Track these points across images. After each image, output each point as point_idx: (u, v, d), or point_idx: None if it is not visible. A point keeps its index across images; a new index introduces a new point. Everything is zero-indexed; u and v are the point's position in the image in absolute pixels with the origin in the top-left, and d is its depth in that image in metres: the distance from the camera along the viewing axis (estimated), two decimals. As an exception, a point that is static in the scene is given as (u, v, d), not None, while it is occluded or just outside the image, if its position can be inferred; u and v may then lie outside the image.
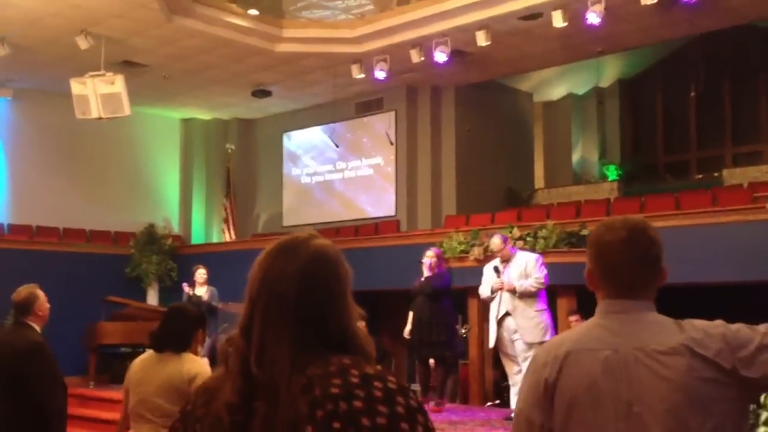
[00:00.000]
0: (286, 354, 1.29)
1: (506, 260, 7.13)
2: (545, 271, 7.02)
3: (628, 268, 1.78)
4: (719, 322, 1.73)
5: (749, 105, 14.34)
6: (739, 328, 1.70)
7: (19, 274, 6.17)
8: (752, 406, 4.28)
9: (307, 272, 1.35)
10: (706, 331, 1.70)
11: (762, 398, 4.42)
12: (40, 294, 4.38)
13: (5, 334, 4.63)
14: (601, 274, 1.82)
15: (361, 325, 1.42)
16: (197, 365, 3.63)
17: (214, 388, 1.35)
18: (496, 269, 7.11)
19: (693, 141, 15.08)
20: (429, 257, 7.80)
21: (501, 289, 7.04)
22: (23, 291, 4.37)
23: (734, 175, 12.55)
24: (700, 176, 14.34)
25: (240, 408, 1.27)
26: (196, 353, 3.77)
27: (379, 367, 1.34)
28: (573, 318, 8.15)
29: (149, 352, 3.76)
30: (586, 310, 8.47)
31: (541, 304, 7.03)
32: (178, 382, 3.53)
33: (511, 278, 7.03)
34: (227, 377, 1.33)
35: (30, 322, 4.31)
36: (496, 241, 7.25)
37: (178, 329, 3.67)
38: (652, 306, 1.79)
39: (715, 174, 13.48)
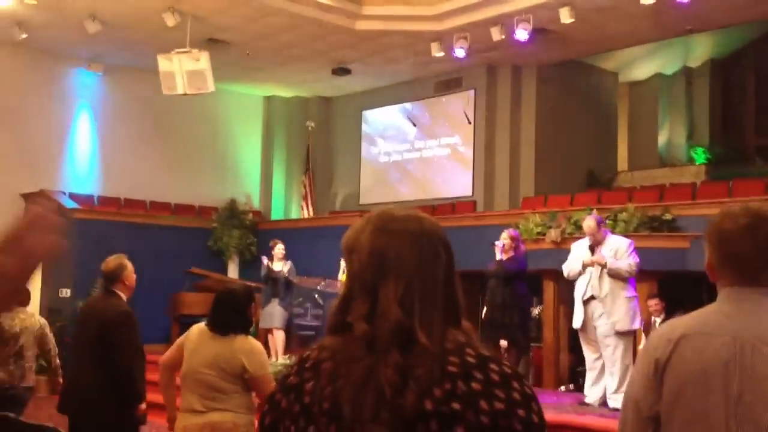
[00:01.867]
0: (441, 327, 1.30)
1: (598, 243, 6.94)
2: (637, 258, 6.83)
3: (751, 255, 1.76)
4: None
5: None
6: None
7: (107, 245, 6.42)
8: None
9: (447, 249, 1.39)
10: None
11: None
12: (128, 264, 4.53)
13: (94, 302, 4.83)
14: (722, 263, 1.80)
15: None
16: (248, 343, 3.79)
17: (337, 361, 1.30)
18: (591, 247, 6.95)
19: (786, 124, 14.43)
20: (503, 239, 7.73)
21: (593, 264, 6.87)
22: (112, 261, 4.53)
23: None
24: (793, 160, 13.73)
25: (398, 384, 1.24)
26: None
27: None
28: (652, 302, 7.96)
29: (203, 327, 3.91)
30: (666, 295, 8.27)
31: (631, 291, 6.84)
32: (225, 359, 3.69)
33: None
34: (369, 352, 1.28)
35: (117, 291, 4.48)
36: (590, 223, 7.03)
37: (227, 317, 3.81)
38: None
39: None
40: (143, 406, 4.39)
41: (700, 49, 14.87)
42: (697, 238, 8.29)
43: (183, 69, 10.76)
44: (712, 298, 1.85)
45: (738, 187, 10.13)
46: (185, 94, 10.97)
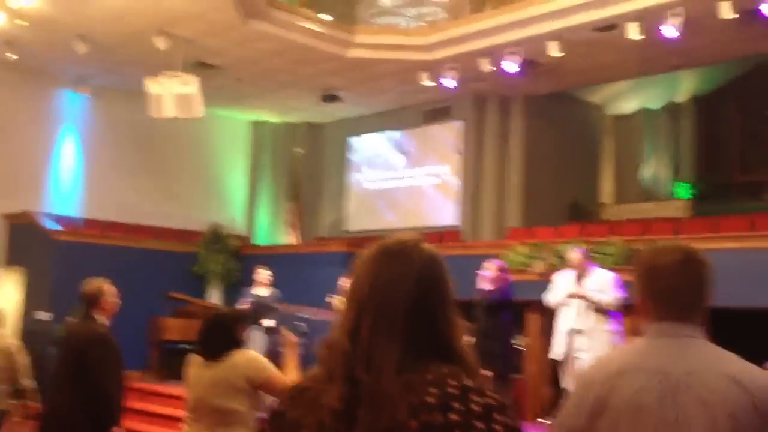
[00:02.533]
0: (395, 360, 1.25)
1: (582, 275, 6.96)
2: (624, 293, 6.84)
3: (684, 290, 1.79)
4: None
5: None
6: None
7: (90, 267, 6.35)
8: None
9: (423, 277, 1.33)
10: (762, 384, 1.68)
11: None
12: (107, 288, 4.48)
13: (73, 326, 4.75)
14: (653, 297, 1.81)
15: (467, 338, 1.39)
16: (243, 356, 3.74)
17: (313, 391, 1.31)
18: (578, 276, 6.95)
19: (771, 161, 14.56)
20: (489, 270, 7.71)
21: (579, 297, 6.86)
22: (91, 285, 4.48)
23: (813, 198, 12.07)
24: (777, 197, 13.83)
25: (344, 415, 1.24)
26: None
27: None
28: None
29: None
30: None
31: (615, 325, 6.84)
32: (226, 379, 3.63)
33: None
34: (329, 382, 1.28)
35: (96, 315, 4.42)
36: (576, 256, 7.07)
37: (217, 340, 3.78)
38: (703, 330, 1.79)
39: (793, 195, 12.99)
40: (117, 430, 4.32)
41: (686, 85, 15.02)
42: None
43: (172, 92, 10.74)
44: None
45: (723, 222, 10.18)
46: (175, 118, 10.94)
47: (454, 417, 1.20)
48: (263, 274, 9.59)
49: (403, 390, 1.22)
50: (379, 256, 1.35)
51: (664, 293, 1.80)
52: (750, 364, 1.75)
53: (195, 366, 3.81)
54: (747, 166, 14.89)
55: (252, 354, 3.82)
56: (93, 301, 4.42)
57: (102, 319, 4.42)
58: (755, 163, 14.77)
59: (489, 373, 7.58)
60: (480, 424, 1.21)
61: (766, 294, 6.81)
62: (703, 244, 8.04)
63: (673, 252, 1.83)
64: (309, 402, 1.29)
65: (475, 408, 1.22)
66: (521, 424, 1.28)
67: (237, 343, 3.81)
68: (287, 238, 14.20)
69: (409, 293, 1.31)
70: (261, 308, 9.43)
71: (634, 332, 7.76)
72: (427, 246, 1.39)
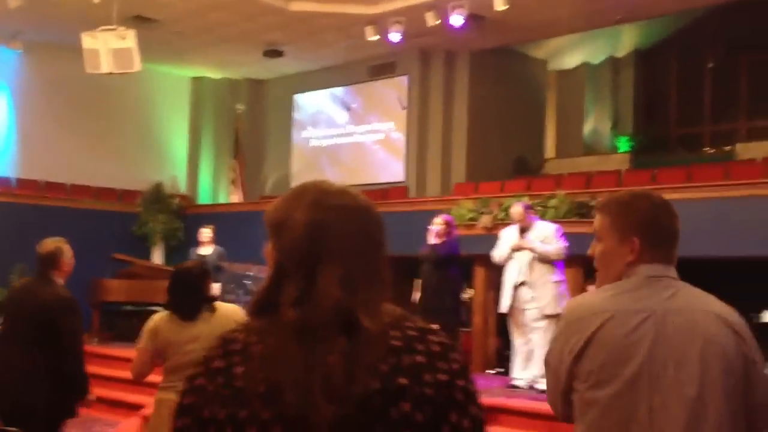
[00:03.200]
0: (383, 306, 1.27)
1: (526, 229, 7.04)
2: (566, 242, 6.95)
3: (672, 234, 1.86)
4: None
5: (766, 79, 14.13)
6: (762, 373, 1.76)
7: (28, 229, 6.16)
8: None
9: (375, 223, 1.34)
10: (742, 324, 1.78)
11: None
12: (66, 248, 4.30)
13: (28, 288, 4.48)
14: (646, 240, 1.84)
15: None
16: (232, 306, 3.76)
17: (269, 346, 1.24)
18: (520, 233, 7.04)
19: (707, 114, 14.90)
20: (437, 224, 7.75)
21: (521, 248, 6.95)
22: (49, 244, 4.26)
23: (748, 150, 12.39)
24: (713, 150, 14.19)
25: (345, 367, 1.20)
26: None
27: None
28: (592, 288, 8.13)
29: (167, 313, 3.76)
30: (591, 282, 8.44)
31: (559, 275, 6.97)
32: (214, 332, 3.56)
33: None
34: (306, 336, 1.22)
35: (54, 277, 4.25)
36: (517, 209, 7.15)
37: (188, 298, 3.68)
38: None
39: (728, 148, 13.33)
40: (92, 396, 4.27)
41: (627, 40, 15.19)
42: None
43: (108, 47, 10.38)
44: None
45: (661, 175, 10.39)
46: (110, 74, 10.60)
47: (419, 358, 1.21)
48: (205, 233, 9.47)
49: (387, 333, 1.23)
50: (331, 205, 1.32)
51: (658, 236, 1.84)
52: (724, 303, 1.81)
53: (168, 328, 3.67)
54: (684, 119, 15.21)
55: (234, 306, 3.78)
56: (51, 261, 4.22)
57: (59, 280, 4.25)
58: (693, 116, 15.09)
59: (437, 326, 7.67)
60: (442, 364, 1.22)
61: (701, 244, 6.98)
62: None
63: (655, 197, 1.89)
64: (271, 357, 1.23)
65: (435, 348, 1.24)
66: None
67: (208, 297, 3.74)
68: (231, 196, 14.02)
69: (381, 242, 1.32)
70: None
71: (577, 281, 7.93)
72: (355, 191, 1.38)
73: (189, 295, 3.67)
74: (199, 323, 3.61)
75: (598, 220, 1.92)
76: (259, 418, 1.20)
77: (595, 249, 1.92)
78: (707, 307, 1.76)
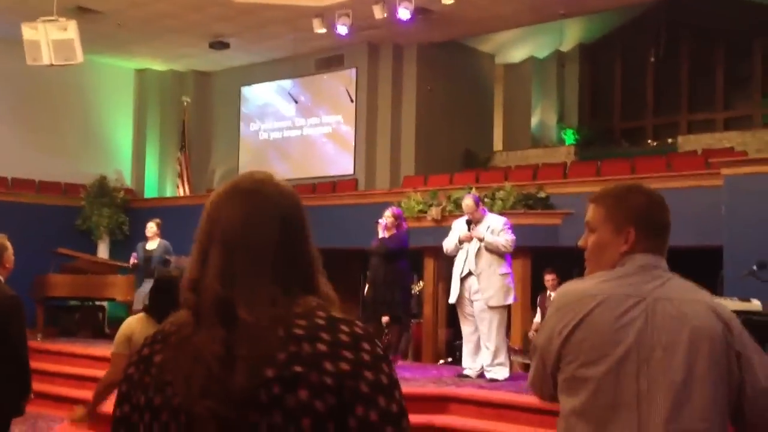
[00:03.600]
0: (270, 298, 1.24)
1: (476, 221, 7.10)
2: (513, 235, 7.03)
3: (667, 225, 1.91)
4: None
5: (706, 73, 14.51)
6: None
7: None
8: None
9: (288, 213, 1.33)
10: (732, 316, 1.83)
11: None
12: (8, 245, 4.19)
13: None
14: (644, 231, 1.87)
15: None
16: None
17: (180, 335, 1.27)
18: (469, 222, 7.09)
19: (649, 107, 15.25)
20: (386, 217, 7.76)
21: (469, 239, 7.01)
22: None
23: (689, 142, 12.72)
24: (656, 142, 14.52)
25: (227, 359, 1.21)
26: None
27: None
28: (549, 277, 8.34)
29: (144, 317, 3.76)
30: (538, 272, 8.59)
31: (506, 268, 7.04)
32: None
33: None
34: (197, 326, 1.25)
35: None
36: (468, 202, 7.19)
37: (170, 304, 3.63)
38: None
39: (670, 140, 13.65)
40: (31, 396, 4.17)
41: (572, 34, 15.42)
42: (568, 215, 8.65)
43: (49, 38, 10.12)
44: (582, 272, 1.95)
45: (605, 167, 10.59)
46: (51, 66, 10.34)
47: (321, 347, 1.20)
48: (150, 227, 9.36)
49: (273, 323, 1.22)
50: (238, 195, 1.33)
51: (652, 228, 1.88)
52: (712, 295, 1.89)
53: (143, 330, 3.63)
54: (628, 113, 15.53)
55: None
56: None
57: (0, 278, 4.14)
58: (636, 109, 15.42)
59: (386, 318, 7.71)
60: (348, 354, 1.22)
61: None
62: (587, 187, 8.39)
63: (646, 190, 1.92)
64: (176, 346, 1.26)
65: (343, 338, 1.23)
66: (389, 355, 1.31)
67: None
68: (177, 190, 13.84)
69: (276, 230, 1.30)
70: (151, 262, 9.19)
71: (525, 271, 8.04)
72: (284, 182, 1.38)
73: (170, 303, 3.64)
74: None
75: (591, 211, 1.93)
76: (171, 406, 1.22)
77: (587, 240, 1.93)
78: (697, 296, 1.82)
